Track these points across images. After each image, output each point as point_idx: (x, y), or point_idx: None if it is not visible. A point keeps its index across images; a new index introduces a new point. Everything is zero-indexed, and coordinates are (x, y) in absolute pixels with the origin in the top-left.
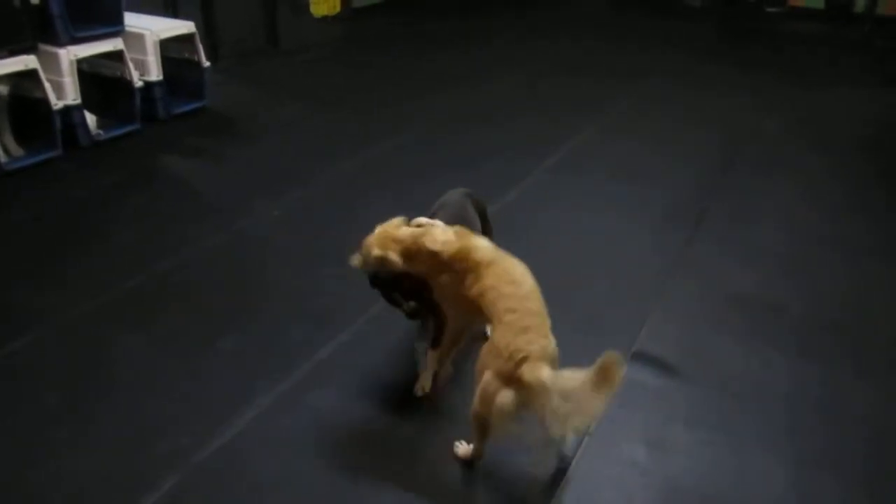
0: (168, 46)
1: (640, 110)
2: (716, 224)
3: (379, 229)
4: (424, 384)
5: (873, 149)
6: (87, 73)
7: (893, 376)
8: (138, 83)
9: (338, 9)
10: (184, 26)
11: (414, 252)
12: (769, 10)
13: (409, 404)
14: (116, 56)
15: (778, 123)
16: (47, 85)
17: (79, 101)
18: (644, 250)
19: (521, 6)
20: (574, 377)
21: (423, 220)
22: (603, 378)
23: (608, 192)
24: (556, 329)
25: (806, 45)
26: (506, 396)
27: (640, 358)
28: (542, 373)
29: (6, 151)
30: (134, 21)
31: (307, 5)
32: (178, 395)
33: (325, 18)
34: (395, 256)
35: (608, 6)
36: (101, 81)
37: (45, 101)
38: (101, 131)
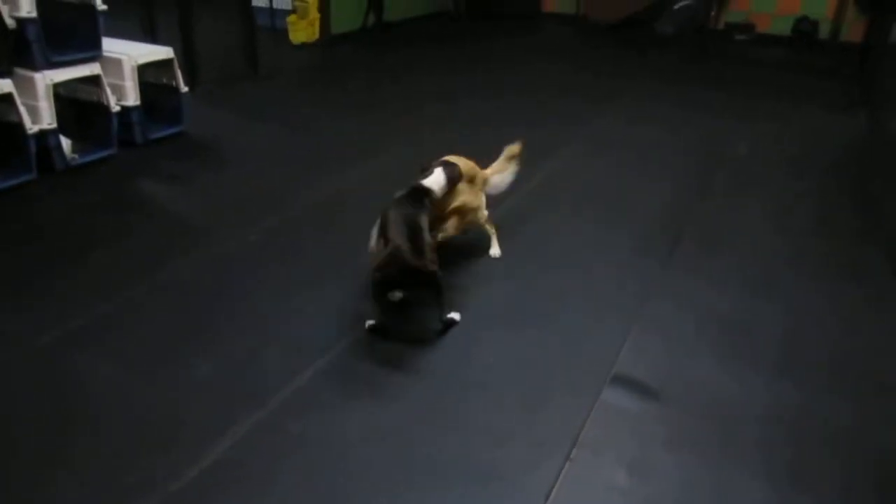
0: (146, 71)
1: (612, 135)
2: (690, 247)
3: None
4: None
5: (840, 171)
6: (64, 97)
7: (867, 395)
8: (115, 108)
9: (316, 36)
10: (162, 52)
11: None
12: (738, 37)
13: (390, 432)
14: (93, 81)
15: (749, 147)
16: (22, 109)
17: (54, 125)
18: (620, 274)
19: (497, 37)
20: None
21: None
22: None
23: (582, 217)
24: (535, 352)
25: (774, 70)
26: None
27: (619, 381)
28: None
29: None
30: (112, 46)
31: (286, 32)
32: (151, 424)
33: (303, 45)
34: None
35: (581, 36)
36: (77, 106)
37: (19, 125)
38: (76, 155)
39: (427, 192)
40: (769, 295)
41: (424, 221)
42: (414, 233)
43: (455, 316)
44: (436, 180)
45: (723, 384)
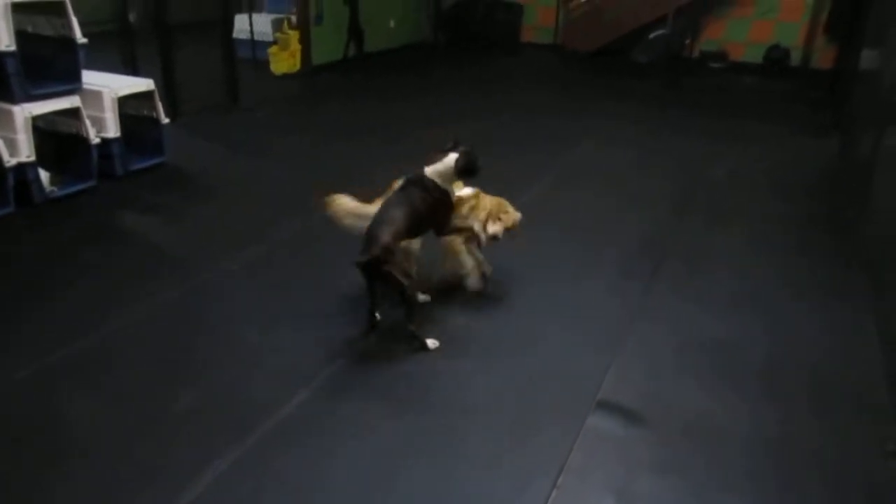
0: (127, 103)
1: (593, 160)
2: (673, 269)
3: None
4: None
5: (816, 192)
6: (43, 129)
7: (851, 414)
8: (95, 140)
9: (298, 66)
10: (143, 84)
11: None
12: (712, 65)
13: (375, 462)
14: (73, 113)
15: (725, 171)
16: (0, 142)
17: (33, 158)
18: (605, 297)
19: (477, 66)
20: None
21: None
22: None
23: (565, 241)
24: (520, 378)
25: (749, 96)
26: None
27: (604, 407)
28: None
29: None
30: (93, 78)
31: (267, 63)
32: (132, 460)
33: (285, 76)
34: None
35: (560, 65)
36: (57, 138)
37: None
38: (54, 188)
39: (420, 180)
40: (751, 315)
41: (397, 215)
42: (375, 226)
43: (430, 344)
44: (437, 166)
45: (707, 407)
